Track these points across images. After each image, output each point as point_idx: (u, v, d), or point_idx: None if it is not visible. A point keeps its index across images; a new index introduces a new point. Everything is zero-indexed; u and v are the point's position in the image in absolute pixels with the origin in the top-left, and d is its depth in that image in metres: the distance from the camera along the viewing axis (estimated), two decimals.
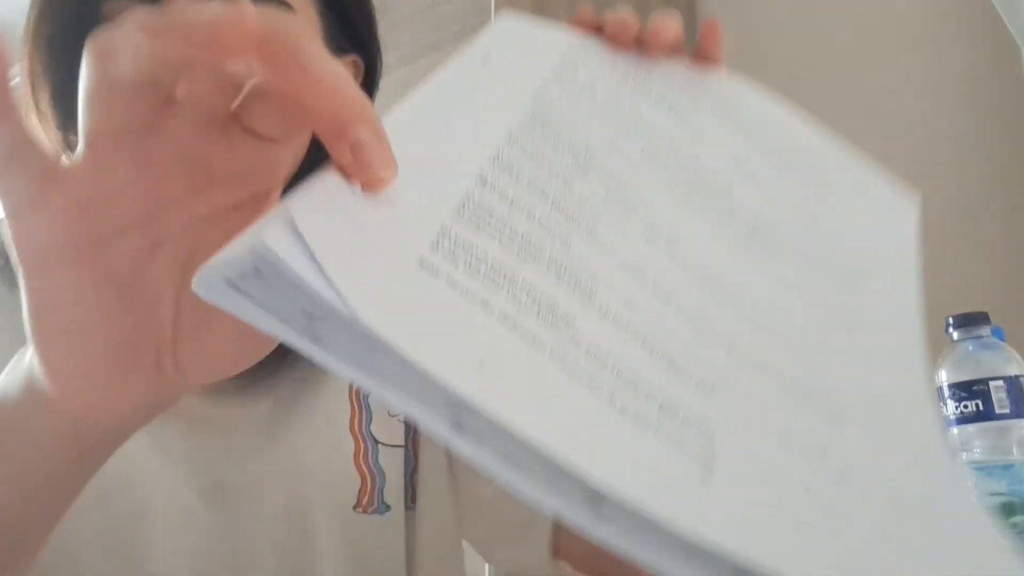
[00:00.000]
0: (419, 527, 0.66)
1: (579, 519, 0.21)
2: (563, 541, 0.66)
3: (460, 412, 0.21)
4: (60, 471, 0.35)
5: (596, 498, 0.21)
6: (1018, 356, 0.70)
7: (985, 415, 0.67)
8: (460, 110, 0.32)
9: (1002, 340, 0.72)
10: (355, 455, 0.63)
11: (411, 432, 0.67)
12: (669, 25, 0.44)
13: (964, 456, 0.69)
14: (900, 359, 0.38)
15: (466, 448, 0.21)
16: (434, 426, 0.21)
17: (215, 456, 0.62)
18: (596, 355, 0.26)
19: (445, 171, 0.28)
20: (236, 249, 0.20)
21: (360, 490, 0.63)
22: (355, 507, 0.62)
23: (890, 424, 0.33)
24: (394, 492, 0.65)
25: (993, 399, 0.67)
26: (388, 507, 0.64)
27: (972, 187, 1.54)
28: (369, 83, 0.69)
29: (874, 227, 0.45)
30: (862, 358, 0.36)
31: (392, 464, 0.65)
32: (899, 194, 0.48)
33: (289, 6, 0.57)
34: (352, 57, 0.67)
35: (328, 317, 0.20)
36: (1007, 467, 0.66)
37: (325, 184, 0.24)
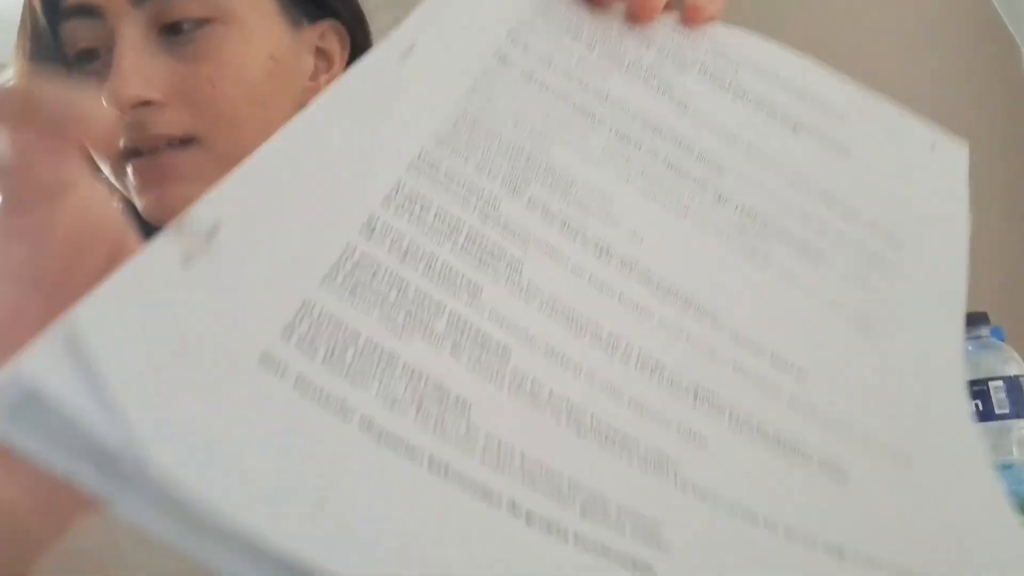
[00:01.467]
0: None
1: None
2: None
3: None
4: None
5: None
6: (1018, 356, 0.70)
7: (985, 415, 0.67)
8: (357, 129, 0.25)
9: (1002, 340, 0.71)
10: None
11: None
12: None
13: None
14: (934, 373, 0.31)
15: None
16: None
17: None
18: (495, 455, 0.20)
19: (319, 224, 0.22)
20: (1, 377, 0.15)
21: None
22: None
23: (928, 485, 0.27)
24: None
25: (993, 399, 0.67)
26: None
27: (972, 187, 1.54)
28: (356, 48, 0.65)
29: (910, 187, 0.37)
30: (880, 381, 0.30)
31: None
32: (941, 142, 0.40)
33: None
34: (329, 23, 0.64)
35: (115, 462, 0.15)
36: (1007, 467, 0.66)
37: (142, 265, 0.18)
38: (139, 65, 0.55)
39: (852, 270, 0.33)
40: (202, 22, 0.56)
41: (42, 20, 0.59)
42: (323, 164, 0.24)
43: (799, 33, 1.95)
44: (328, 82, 0.64)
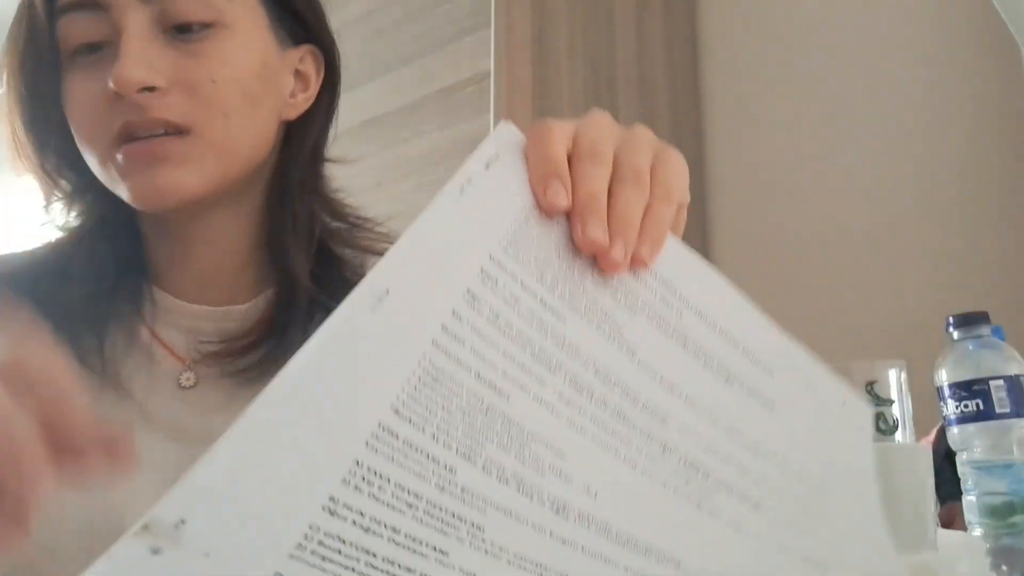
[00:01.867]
0: None
1: None
2: None
3: None
4: None
5: None
6: (1018, 355, 0.70)
7: (985, 414, 0.67)
8: (315, 407, 0.25)
9: (1002, 339, 0.72)
10: None
11: None
12: (632, 222, 0.37)
13: (964, 456, 0.69)
14: None
15: None
16: None
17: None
18: None
19: (281, 508, 0.23)
20: None
21: None
22: None
23: None
24: None
25: (993, 398, 0.67)
26: None
27: (972, 187, 1.54)
28: (330, 73, 0.70)
29: (827, 439, 0.40)
30: None
31: None
32: (851, 401, 0.43)
33: None
34: (308, 48, 0.68)
35: None
36: (1007, 466, 0.66)
37: (115, 555, 0.20)
38: (146, 53, 0.58)
39: (791, 517, 0.36)
40: (207, 25, 0.60)
41: (42, 17, 0.61)
42: (282, 448, 0.24)
43: (799, 34, 1.95)
44: (304, 102, 0.68)
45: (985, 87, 1.55)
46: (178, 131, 0.59)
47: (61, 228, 0.67)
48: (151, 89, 0.58)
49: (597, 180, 0.37)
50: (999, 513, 0.65)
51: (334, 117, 0.71)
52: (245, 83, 0.61)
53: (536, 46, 1.60)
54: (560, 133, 0.39)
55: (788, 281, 1.72)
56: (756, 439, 0.36)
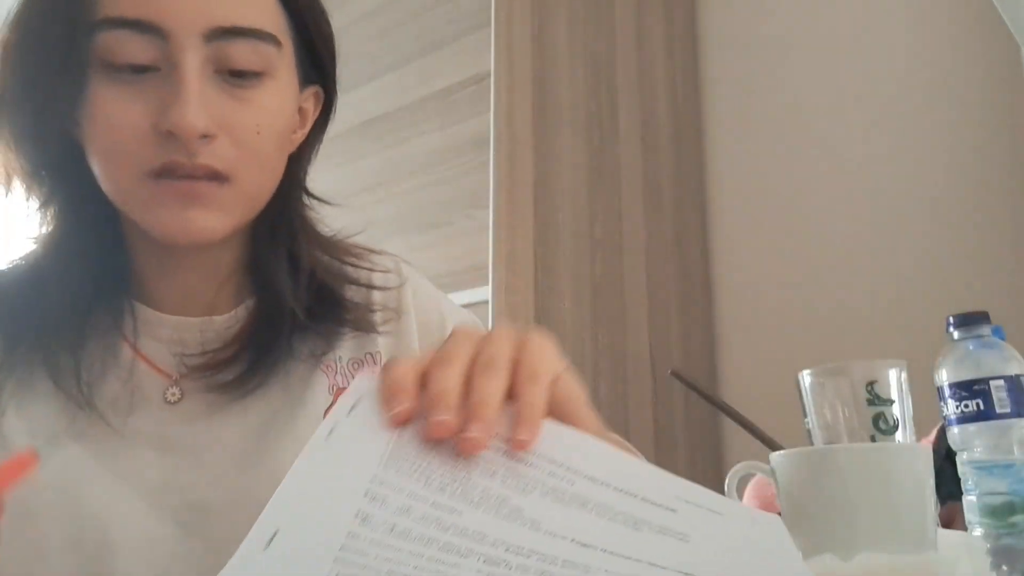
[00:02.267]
0: None
1: None
2: None
3: None
4: None
5: None
6: (1018, 355, 0.70)
7: (986, 414, 0.67)
8: None
9: (1002, 339, 0.72)
10: None
11: None
12: (487, 402, 0.40)
13: (965, 456, 0.69)
14: None
15: None
16: None
17: (186, 480, 0.64)
18: None
19: None
20: None
21: None
22: None
23: None
24: None
25: (994, 398, 0.67)
26: None
27: (972, 187, 1.54)
28: (325, 112, 0.73)
29: (751, 560, 0.41)
30: None
31: None
32: (759, 517, 0.44)
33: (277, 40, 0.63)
34: (314, 88, 0.71)
35: None
36: (1008, 466, 0.66)
37: None
38: (205, 98, 0.59)
39: None
40: (257, 74, 0.62)
41: (73, 18, 0.59)
42: None
43: (799, 34, 1.96)
44: (301, 137, 0.71)
45: (986, 87, 1.55)
46: (218, 178, 0.60)
47: (36, 239, 0.66)
48: (205, 136, 0.59)
49: (445, 380, 0.40)
50: (999, 513, 0.65)
51: (318, 150, 0.73)
52: (280, 132, 0.64)
53: (536, 46, 1.60)
54: (408, 364, 0.42)
55: (789, 281, 1.72)
56: (682, 568, 0.38)
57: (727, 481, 0.63)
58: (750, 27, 1.85)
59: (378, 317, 0.73)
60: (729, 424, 1.50)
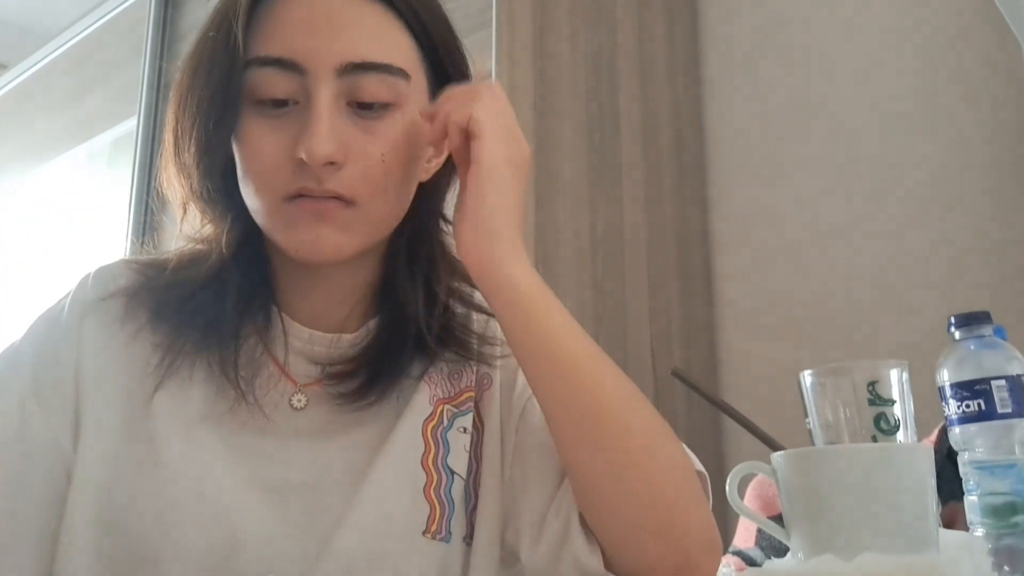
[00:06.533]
0: (473, 563, 0.70)
1: None
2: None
3: None
4: None
5: None
6: (1020, 355, 0.70)
7: (987, 414, 0.67)
8: None
9: (1004, 339, 0.72)
10: (426, 486, 0.70)
11: (473, 468, 0.73)
12: None
13: (966, 456, 0.69)
14: None
15: None
16: None
17: (304, 483, 0.68)
18: None
19: None
20: None
21: (429, 517, 0.69)
22: (424, 532, 0.69)
23: None
24: (458, 522, 0.70)
25: (995, 398, 0.67)
26: (452, 535, 0.70)
27: (973, 187, 1.54)
28: None
29: None
30: None
31: (459, 496, 0.71)
32: None
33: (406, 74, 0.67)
34: None
35: None
36: (1009, 466, 0.66)
37: None
38: (335, 128, 0.64)
39: None
40: (385, 105, 0.66)
41: (236, 59, 0.65)
42: None
43: (799, 34, 1.95)
44: (436, 166, 0.74)
45: (986, 87, 1.55)
46: (345, 202, 0.65)
47: (195, 240, 0.72)
48: (332, 163, 0.64)
49: None
50: (1001, 513, 0.65)
51: (456, 177, 0.75)
52: (406, 161, 0.68)
53: (536, 46, 1.60)
54: None
55: (790, 281, 1.72)
56: None
57: (728, 481, 0.63)
58: (751, 27, 1.85)
59: (497, 350, 0.76)
60: (730, 424, 1.50)
